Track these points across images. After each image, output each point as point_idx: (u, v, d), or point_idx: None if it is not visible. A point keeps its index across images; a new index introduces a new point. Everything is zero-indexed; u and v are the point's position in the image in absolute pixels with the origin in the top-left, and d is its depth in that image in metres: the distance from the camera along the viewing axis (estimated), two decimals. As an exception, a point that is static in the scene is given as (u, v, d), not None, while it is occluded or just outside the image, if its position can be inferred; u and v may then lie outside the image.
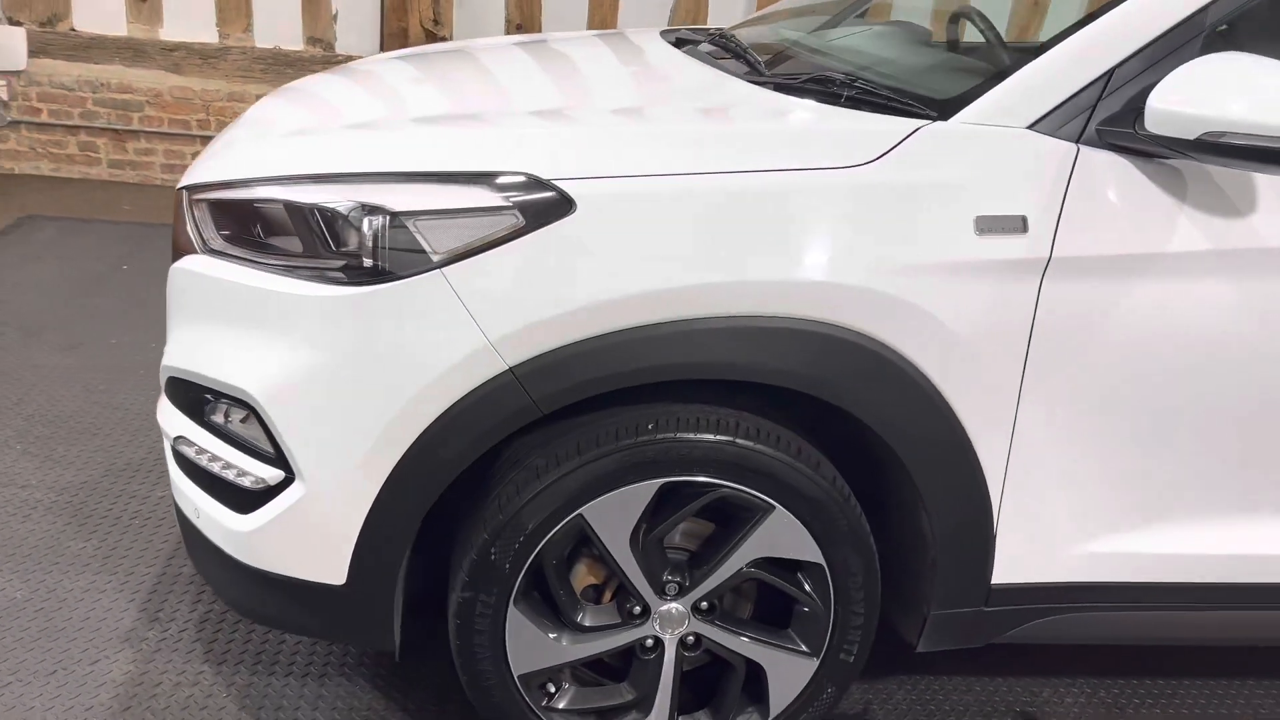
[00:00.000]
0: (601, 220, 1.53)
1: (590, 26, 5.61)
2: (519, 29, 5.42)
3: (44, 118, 4.70)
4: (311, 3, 5.17)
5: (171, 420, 1.78)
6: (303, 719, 1.94)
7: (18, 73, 4.92)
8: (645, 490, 1.64)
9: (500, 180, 1.54)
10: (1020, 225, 1.59)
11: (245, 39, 5.21)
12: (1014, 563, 1.79)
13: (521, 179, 1.54)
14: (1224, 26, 1.67)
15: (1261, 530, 1.83)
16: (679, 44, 2.35)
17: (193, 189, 1.71)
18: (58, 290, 3.70)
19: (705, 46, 2.28)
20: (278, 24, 5.20)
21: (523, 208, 1.53)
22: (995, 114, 1.63)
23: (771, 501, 1.67)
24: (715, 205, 1.54)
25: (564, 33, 2.96)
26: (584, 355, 1.54)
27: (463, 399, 1.55)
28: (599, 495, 1.63)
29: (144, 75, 4.62)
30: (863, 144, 1.60)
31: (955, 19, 2.52)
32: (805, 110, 1.74)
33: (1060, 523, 1.77)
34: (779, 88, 1.86)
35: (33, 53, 4.95)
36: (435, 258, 1.52)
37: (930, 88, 1.77)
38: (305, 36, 5.24)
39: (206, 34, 5.16)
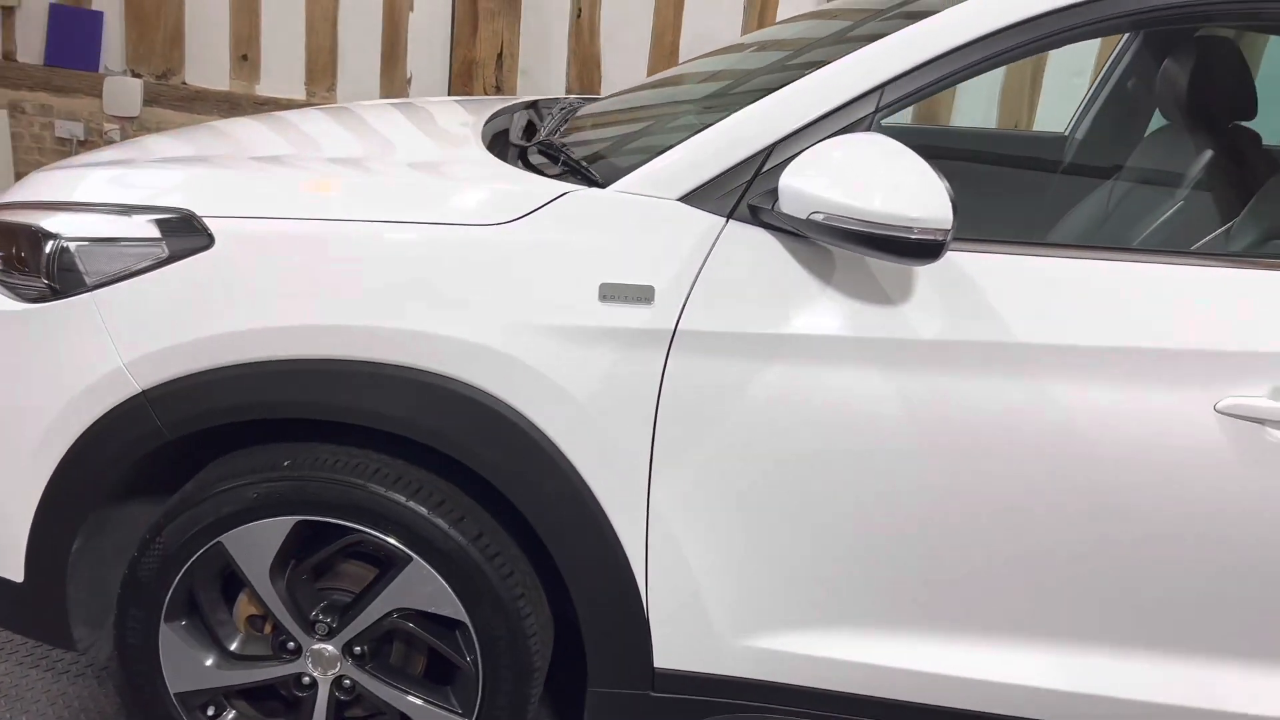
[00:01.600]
0: (235, 257, 1.61)
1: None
2: (588, 98, 5.59)
3: (144, 158, 5.19)
4: (389, 66, 5.53)
5: None
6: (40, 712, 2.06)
7: (132, 119, 5.50)
8: (280, 525, 1.68)
9: (155, 215, 1.65)
10: (647, 295, 1.55)
11: (329, 96, 5.62)
12: (674, 648, 1.71)
13: (173, 215, 1.64)
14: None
15: (950, 650, 1.68)
16: (523, 108, 2.40)
17: None
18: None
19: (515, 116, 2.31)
20: (359, 84, 5.58)
21: (171, 241, 1.62)
22: (649, 184, 1.61)
23: (409, 552, 1.67)
24: (346, 251, 1.59)
25: (436, 98, 3.04)
26: (209, 385, 1.62)
27: (101, 418, 1.65)
28: (237, 526, 1.68)
29: (231, 125, 5.05)
30: (508, 204, 1.61)
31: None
32: (488, 172, 1.76)
33: (717, 612, 1.68)
34: (515, 154, 1.89)
35: (146, 102, 5.53)
36: (89, 280, 1.64)
37: (630, 157, 1.76)
38: (381, 96, 5.61)
39: (296, 91, 5.59)
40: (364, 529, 1.67)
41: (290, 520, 1.67)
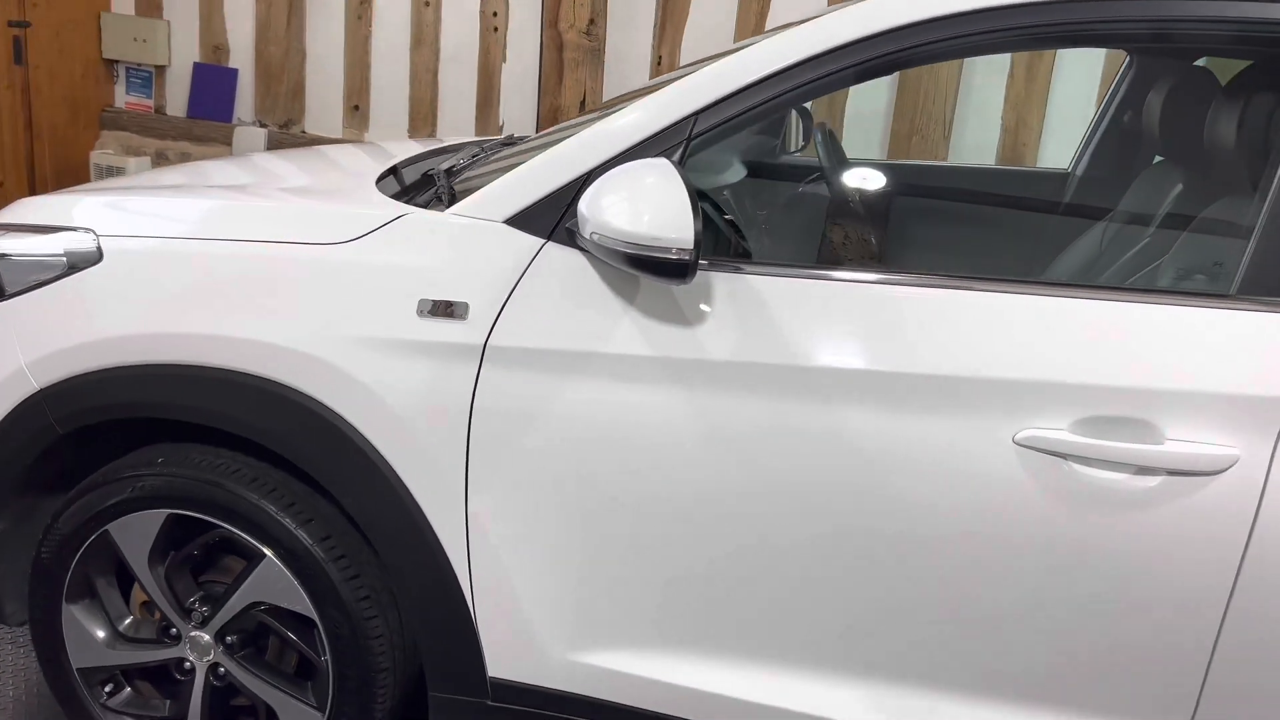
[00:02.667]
0: (117, 271, 1.79)
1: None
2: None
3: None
4: (484, 113, 5.82)
5: None
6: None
7: (257, 164, 5.97)
8: (155, 518, 1.83)
9: (62, 233, 1.85)
10: (462, 311, 1.63)
11: (429, 142, 5.97)
12: (504, 659, 1.76)
13: (75, 233, 1.84)
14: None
15: (761, 677, 1.65)
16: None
17: None
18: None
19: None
20: (456, 130, 5.90)
21: (70, 256, 1.82)
22: (480, 208, 1.70)
23: (262, 548, 1.79)
24: (204, 266, 1.75)
25: (398, 141, 3.20)
26: (86, 385, 1.80)
27: (9, 414, 1.85)
28: (120, 516, 1.85)
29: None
30: (348, 226, 1.73)
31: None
32: (351, 199, 1.88)
33: (540, 625, 1.72)
34: (401, 188, 2.02)
35: (270, 148, 6.00)
36: (7, 290, 1.85)
37: (482, 182, 1.83)
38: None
39: (400, 137, 5.96)
40: (223, 524, 1.80)
41: (163, 513, 1.83)
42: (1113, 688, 1.53)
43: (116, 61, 6.10)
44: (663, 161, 1.51)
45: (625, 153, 1.62)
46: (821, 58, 1.57)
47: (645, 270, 1.47)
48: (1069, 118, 4.85)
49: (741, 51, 1.62)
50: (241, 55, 5.98)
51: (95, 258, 1.80)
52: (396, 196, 1.89)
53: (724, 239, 2.01)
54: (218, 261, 1.75)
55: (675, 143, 1.61)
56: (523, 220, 1.66)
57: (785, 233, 2.14)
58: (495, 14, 5.60)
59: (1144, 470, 1.44)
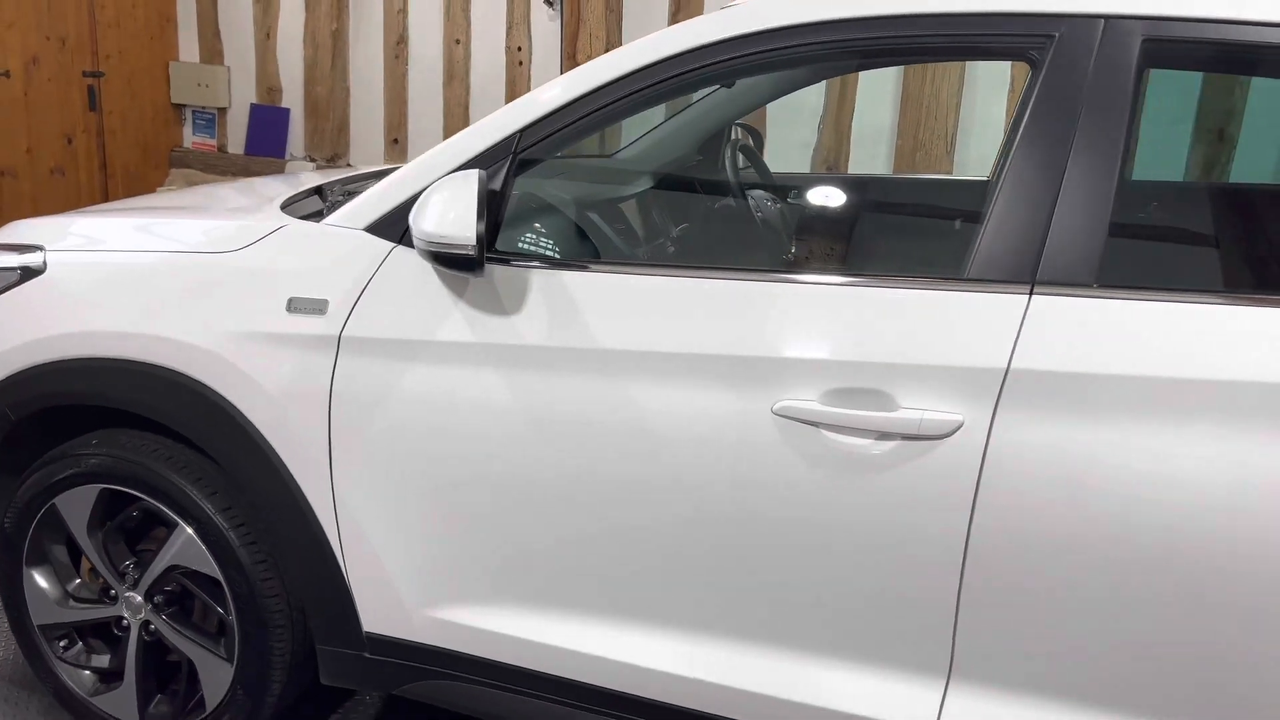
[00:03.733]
0: (56, 280, 2.10)
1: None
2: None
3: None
4: (513, 144, 6.19)
5: None
6: None
7: (307, 196, 6.42)
8: (91, 492, 2.13)
9: (17, 250, 2.18)
10: (322, 307, 1.89)
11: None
12: (375, 615, 2.00)
13: (26, 249, 2.16)
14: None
15: (627, 638, 1.84)
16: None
17: None
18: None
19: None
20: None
21: (23, 268, 2.15)
22: (347, 218, 1.96)
23: (176, 518, 2.08)
24: (123, 274, 2.05)
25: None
26: (28, 378, 2.11)
27: (-28, 404, 2.18)
28: (64, 490, 2.15)
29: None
30: (240, 237, 2.01)
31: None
32: (253, 215, 2.15)
33: (403, 585, 1.95)
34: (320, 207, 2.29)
35: (319, 181, 6.42)
36: (-22, 299, 2.19)
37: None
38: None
39: (438, 168, 6.37)
40: (145, 497, 2.09)
41: (97, 488, 2.13)
42: (874, 637, 1.69)
43: (183, 105, 6.62)
44: (472, 173, 1.75)
45: (461, 167, 1.86)
46: (621, 80, 1.79)
47: (444, 264, 1.71)
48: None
49: (562, 76, 1.85)
50: (293, 95, 6.43)
51: (41, 269, 2.12)
52: (310, 215, 2.16)
53: (576, 241, 2.22)
54: (132, 270, 2.05)
55: (502, 157, 1.85)
56: (379, 228, 1.92)
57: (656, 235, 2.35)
58: (520, 49, 5.92)
59: (884, 435, 1.60)
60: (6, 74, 5.53)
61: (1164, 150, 4.45)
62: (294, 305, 1.91)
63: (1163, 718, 1.56)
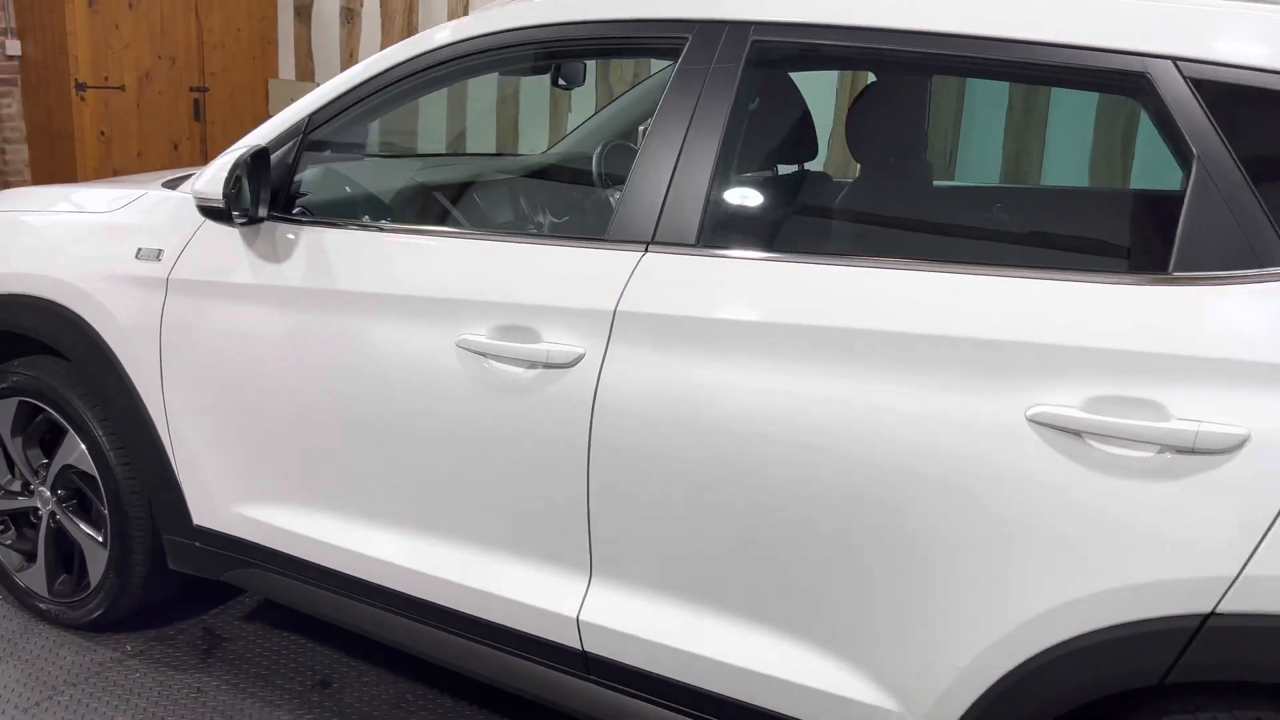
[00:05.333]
0: (-3, 234, 2.67)
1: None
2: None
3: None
4: (557, 156, 6.67)
5: None
6: None
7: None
8: (11, 404, 2.68)
9: (-26, 212, 2.76)
10: (158, 255, 2.37)
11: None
12: (200, 510, 2.45)
13: (-20, 212, 2.74)
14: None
15: (370, 535, 2.21)
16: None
17: None
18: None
19: None
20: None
21: (-23, 227, 2.72)
22: (190, 186, 2.42)
23: (67, 425, 2.59)
24: (38, 229, 2.59)
25: None
26: (-26, 312, 2.67)
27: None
28: (-4, 402, 2.71)
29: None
30: (115, 202, 2.52)
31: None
32: (135, 186, 2.64)
33: (217, 485, 2.40)
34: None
35: (391, 188, 7.06)
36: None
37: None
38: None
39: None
40: (47, 409, 2.61)
41: (15, 400, 2.67)
42: (533, 537, 2.01)
43: (279, 118, 7.39)
44: (242, 148, 2.19)
45: (270, 143, 2.30)
46: (381, 75, 2.20)
47: (209, 216, 2.15)
48: (1067, 143, 4.99)
49: (340, 74, 2.27)
50: (371, 110, 7.09)
51: (-15, 225, 2.70)
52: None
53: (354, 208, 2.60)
54: (40, 225, 2.59)
55: (294, 137, 2.28)
56: (205, 192, 2.38)
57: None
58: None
59: (531, 365, 1.93)
60: (122, 88, 6.37)
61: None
62: (140, 253, 2.40)
63: (749, 601, 1.83)
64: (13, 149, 6.50)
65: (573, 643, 2.01)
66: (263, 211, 2.20)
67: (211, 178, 2.17)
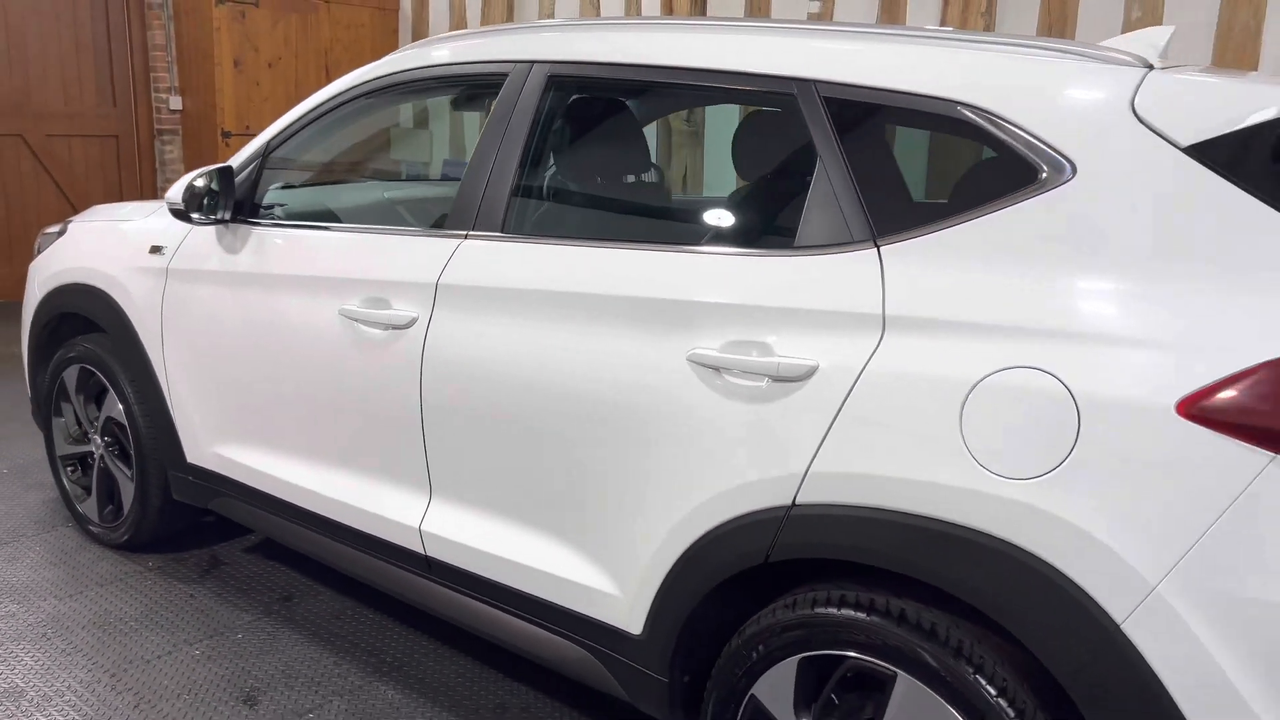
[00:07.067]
0: (67, 240, 3.48)
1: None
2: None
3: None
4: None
5: None
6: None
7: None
8: (75, 369, 3.47)
9: (63, 221, 3.59)
10: (162, 250, 3.10)
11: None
12: (191, 449, 3.15)
13: (68, 221, 3.57)
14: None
15: (327, 476, 2.81)
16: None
17: None
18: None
19: None
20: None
21: (61, 230, 3.56)
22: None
23: (107, 384, 3.36)
24: (89, 236, 3.39)
25: None
26: (49, 295, 3.49)
27: (37, 305, 3.60)
28: (65, 369, 3.51)
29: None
30: (142, 212, 3.28)
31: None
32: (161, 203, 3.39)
33: (202, 427, 3.09)
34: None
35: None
36: (40, 250, 3.63)
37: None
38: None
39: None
40: (96, 372, 3.39)
41: (76, 367, 3.46)
42: (393, 465, 2.58)
43: (399, 160, 8.31)
44: (211, 168, 2.88)
45: (244, 161, 3.00)
46: (323, 104, 2.85)
47: (176, 217, 2.85)
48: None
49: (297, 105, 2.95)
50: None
51: (64, 232, 3.52)
52: None
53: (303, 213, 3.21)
54: (97, 231, 3.39)
55: (259, 155, 2.97)
56: (194, 205, 3.10)
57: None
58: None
59: (386, 327, 2.51)
60: (261, 134, 7.42)
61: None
62: (153, 250, 3.14)
63: (522, 511, 2.34)
64: (173, 188, 7.66)
65: (418, 548, 2.56)
66: (225, 215, 2.89)
67: (176, 188, 2.88)
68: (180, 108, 7.56)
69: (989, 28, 5.54)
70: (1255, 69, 4.72)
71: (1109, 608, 1.56)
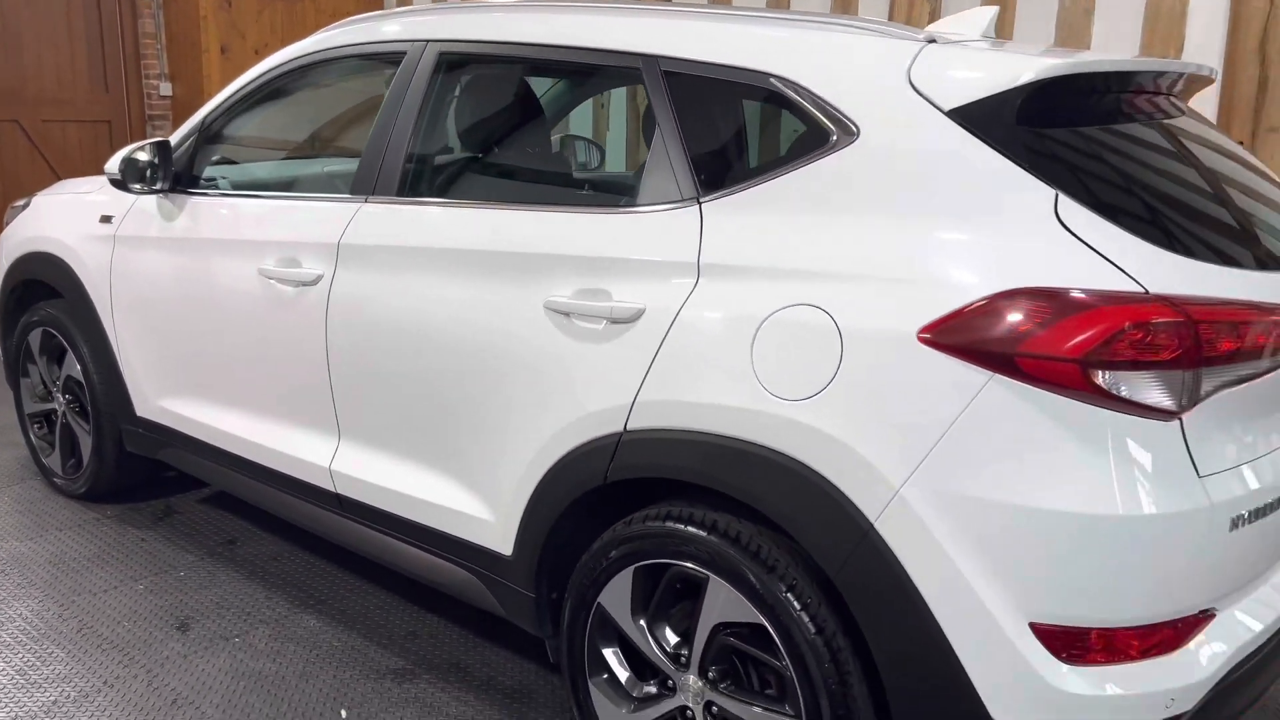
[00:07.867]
0: (32, 210, 3.76)
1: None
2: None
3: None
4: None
5: None
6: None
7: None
8: (38, 333, 3.75)
9: (29, 195, 3.87)
10: (112, 220, 3.37)
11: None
12: (140, 403, 3.42)
13: (32, 196, 3.84)
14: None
15: (254, 424, 3.07)
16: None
17: None
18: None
19: None
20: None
21: (25, 204, 3.83)
22: (140, 172, 3.42)
23: (66, 345, 3.63)
24: (51, 207, 3.66)
25: None
26: (18, 263, 3.77)
27: (5, 272, 3.88)
28: (30, 332, 3.78)
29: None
30: (95, 183, 3.54)
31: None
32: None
33: (146, 382, 3.36)
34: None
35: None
36: (4, 224, 3.90)
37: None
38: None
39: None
40: (57, 334, 3.66)
41: (40, 330, 3.73)
42: (307, 411, 2.83)
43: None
44: (159, 139, 3.14)
45: (184, 136, 3.25)
46: (251, 82, 3.11)
47: (115, 186, 3.11)
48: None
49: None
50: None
51: (29, 205, 3.80)
52: None
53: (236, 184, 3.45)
54: (55, 203, 3.66)
55: (196, 129, 3.23)
56: (160, 178, 3.36)
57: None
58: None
59: (295, 284, 2.76)
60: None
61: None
62: (103, 219, 3.41)
63: (411, 448, 2.59)
64: (163, 171, 7.94)
65: (329, 486, 2.81)
66: (162, 185, 3.15)
67: (114, 160, 3.15)
68: (170, 93, 7.84)
69: (934, 13, 5.73)
70: (1180, 54, 4.90)
71: (863, 506, 1.80)
